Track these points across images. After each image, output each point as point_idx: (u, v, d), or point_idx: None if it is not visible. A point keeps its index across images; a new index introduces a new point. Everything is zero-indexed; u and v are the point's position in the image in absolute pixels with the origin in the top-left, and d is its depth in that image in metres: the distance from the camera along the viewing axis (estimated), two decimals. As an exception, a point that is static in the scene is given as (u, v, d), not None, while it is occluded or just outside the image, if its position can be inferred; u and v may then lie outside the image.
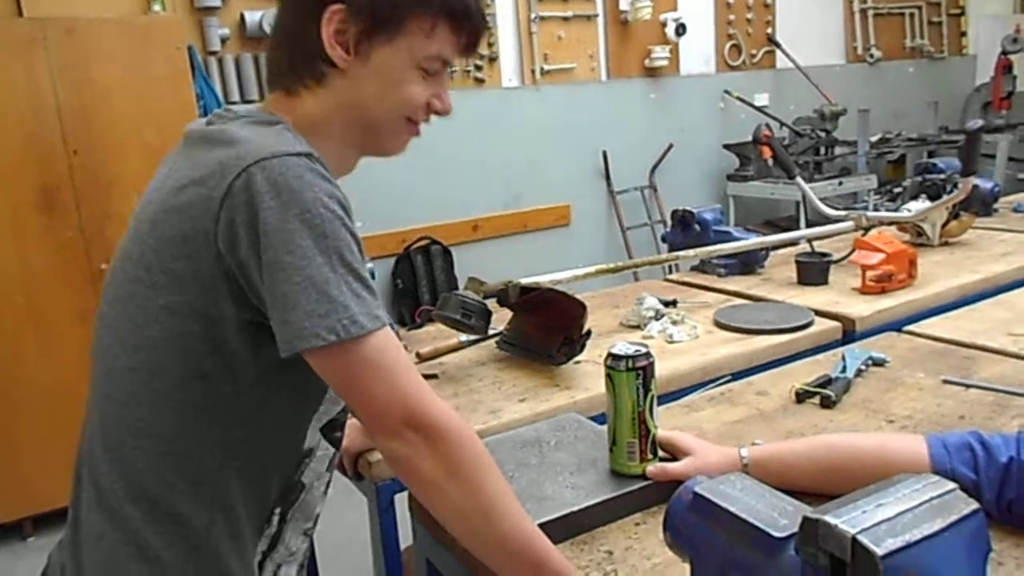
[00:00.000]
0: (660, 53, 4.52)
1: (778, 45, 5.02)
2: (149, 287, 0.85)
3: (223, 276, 0.82)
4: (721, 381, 1.59)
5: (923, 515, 0.64)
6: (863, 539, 0.61)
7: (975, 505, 0.66)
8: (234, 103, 3.47)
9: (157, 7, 3.26)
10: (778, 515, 0.75)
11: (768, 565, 0.73)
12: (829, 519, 0.64)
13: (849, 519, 0.64)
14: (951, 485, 0.67)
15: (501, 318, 1.82)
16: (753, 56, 5.00)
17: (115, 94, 2.90)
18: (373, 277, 1.88)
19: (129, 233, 0.90)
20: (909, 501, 0.65)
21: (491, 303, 1.72)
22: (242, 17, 3.51)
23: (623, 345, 1.10)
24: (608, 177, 4.48)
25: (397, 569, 1.54)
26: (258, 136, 0.84)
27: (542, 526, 1.01)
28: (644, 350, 1.09)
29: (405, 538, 1.40)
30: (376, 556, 1.58)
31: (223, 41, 3.49)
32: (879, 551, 0.60)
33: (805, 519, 0.67)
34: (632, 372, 1.07)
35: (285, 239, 0.78)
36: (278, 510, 0.96)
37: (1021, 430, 0.99)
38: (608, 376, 1.09)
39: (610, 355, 1.09)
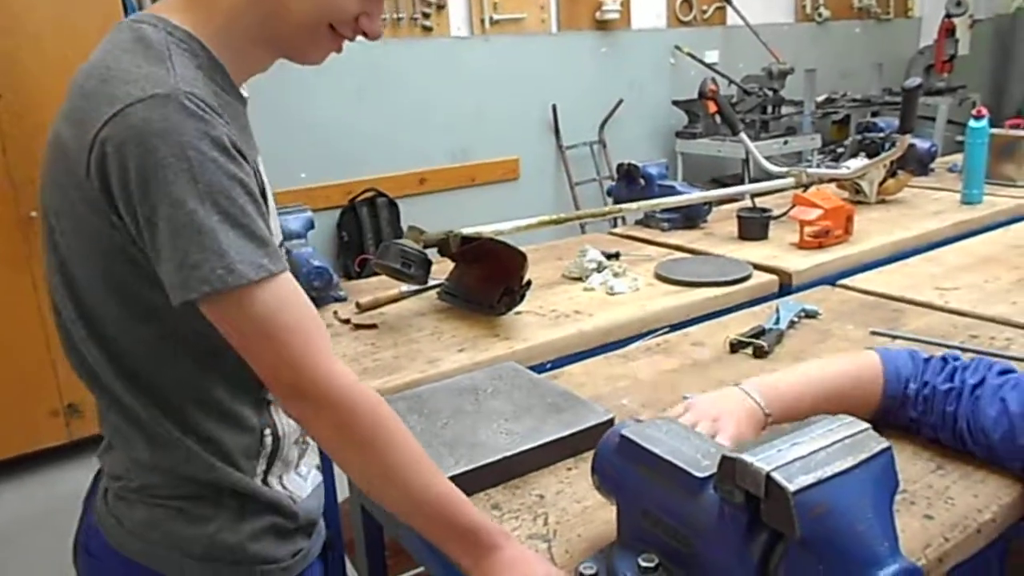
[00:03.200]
0: (611, 6, 4.47)
1: (728, 2, 5.01)
2: (75, 231, 0.82)
3: (118, 221, 0.79)
4: (659, 332, 1.61)
5: (835, 453, 0.66)
6: (776, 476, 0.63)
7: (885, 444, 0.68)
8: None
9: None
10: (701, 456, 0.77)
11: (689, 503, 0.75)
12: (746, 457, 0.66)
13: (765, 457, 0.65)
14: (864, 425, 0.70)
15: (443, 268, 1.81)
16: (704, 12, 4.98)
17: (44, 37, 2.76)
18: (312, 226, 1.86)
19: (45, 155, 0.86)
20: (823, 440, 0.68)
21: (434, 254, 1.71)
22: (179, -45, 3.36)
23: None
24: (557, 131, 4.46)
25: (334, 517, 1.55)
26: (133, 71, 0.78)
27: (475, 471, 1.02)
28: None
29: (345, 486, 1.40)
30: (314, 505, 1.58)
31: (159, -20, 3.34)
32: (791, 487, 0.62)
33: (723, 458, 0.68)
34: None
35: (154, 188, 0.74)
36: (268, 430, 0.92)
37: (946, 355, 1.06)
38: None
39: None
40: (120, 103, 0.75)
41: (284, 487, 0.95)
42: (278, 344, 0.79)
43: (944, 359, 1.06)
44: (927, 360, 1.07)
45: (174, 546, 0.87)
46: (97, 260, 0.82)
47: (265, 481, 0.93)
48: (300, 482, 0.98)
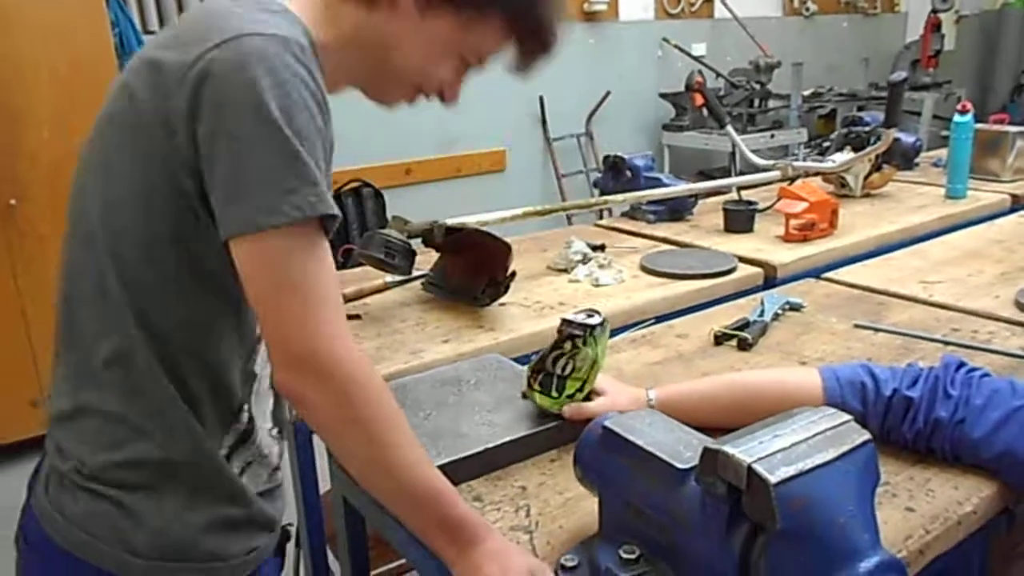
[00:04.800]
0: (599, -3, 4.47)
1: (717, -6, 5.01)
2: (130, 145, 0.81)
3: (186, 144, 0.78)
4: (644, 324, 1.61)
5: (817, 445, 0.66)
6: (758, 467, 0.63)
7: (867, 436, 0.68)
8: (152, 33, 3.30)
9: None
10: (683, 448, 0.77)
11: (671, 495, 0.74)
12: (728, 449, 0.65)
13: (746, 449, 0.65)
14: (846, 417, 0.69)
15: (428, 259, 1.80)
16: (692, 5, 4.98)
17: (19, 20, 2.72)
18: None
19: (112, 92, 0.85)
20: (804, 432, 0.67)
21: (418, 244, 1.70)
22: (162, -59, 3.32)
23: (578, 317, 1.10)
24: (545, 123, 4.45)
25: (316, 508, 1.54)
26: (256, 16, 0.79)
27: (457, 462, 1.02)
28: (594, 313, 1.11)
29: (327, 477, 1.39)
30: (296, 495, 1.57)
31: (142, -34, 3.30)
32: (772, 479, 0.62)
33: (705, 449, 0.68)
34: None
35: (238, 110, 0.74)
36: (247, 406, 0.91)
37: (911, 364, 1.03)
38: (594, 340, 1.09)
39: (588, 326, 1.08)
40: (237, 32, 0.77)
41: (245, 474, 0.92)
42: (308, 305, 0.77)
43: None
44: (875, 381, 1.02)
45: (117, 540, 0.83)
46: (140, 178, 0.80)
47: (228, 459, 0.90)
48: (263, 475, 0.96)
